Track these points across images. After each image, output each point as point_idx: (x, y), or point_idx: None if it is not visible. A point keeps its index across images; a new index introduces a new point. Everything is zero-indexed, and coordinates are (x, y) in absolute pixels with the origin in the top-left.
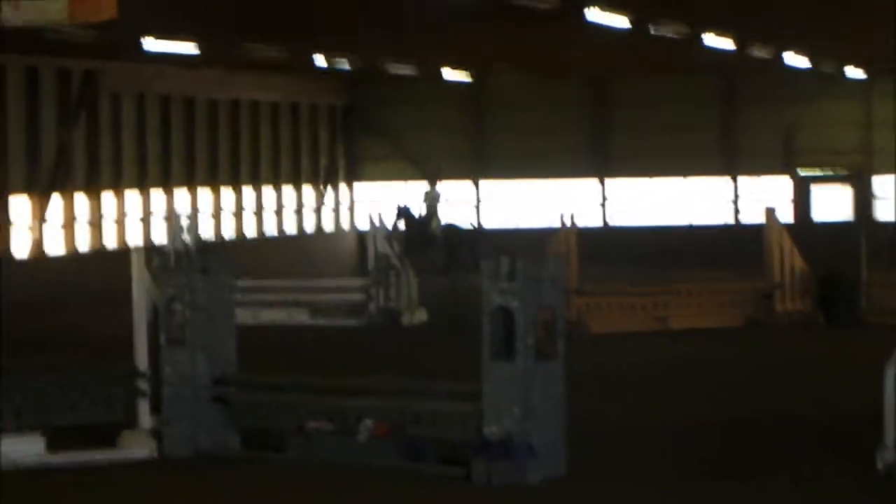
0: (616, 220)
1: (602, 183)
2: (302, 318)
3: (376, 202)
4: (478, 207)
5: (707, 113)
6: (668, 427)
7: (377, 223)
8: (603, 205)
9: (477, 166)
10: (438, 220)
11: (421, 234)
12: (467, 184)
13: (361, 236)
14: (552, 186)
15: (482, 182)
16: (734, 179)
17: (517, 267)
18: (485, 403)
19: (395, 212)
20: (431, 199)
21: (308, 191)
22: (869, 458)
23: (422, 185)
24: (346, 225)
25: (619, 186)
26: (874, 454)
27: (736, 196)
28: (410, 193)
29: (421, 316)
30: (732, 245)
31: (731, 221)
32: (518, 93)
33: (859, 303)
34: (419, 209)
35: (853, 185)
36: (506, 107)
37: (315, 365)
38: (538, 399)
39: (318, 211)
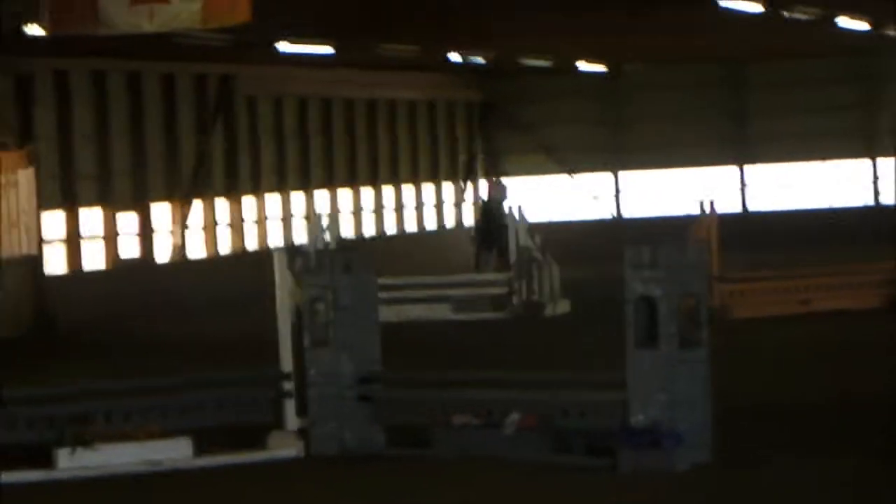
0: (756, 206)
1: (741, 169)
2: (444, 313)
3: (516, 195)
4: (617, 197)
5: (844, 94)
6: (816, 408)
7: (517, 216)
8: (742, 190)
9: (614, 157)
10: (504, 214)
11: (487, 227)
12: (606, 175)
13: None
14: (691, 174)
15: (621, 172)
16: (874, 160)
17: (659, 255)
18: (630, 392)
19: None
20: (497, 193)
21: (447, 187)
22: None
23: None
24: None
25: (758, 171)
26: None
27: (876, 177)
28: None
29: (563, 307)
30: (874, 226)
31: (872, 203)
32: (653, 81)
33: None
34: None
35: None
36: (641, 96)
37: (459, 359)
38: (684, 386)
39: (457, 206)
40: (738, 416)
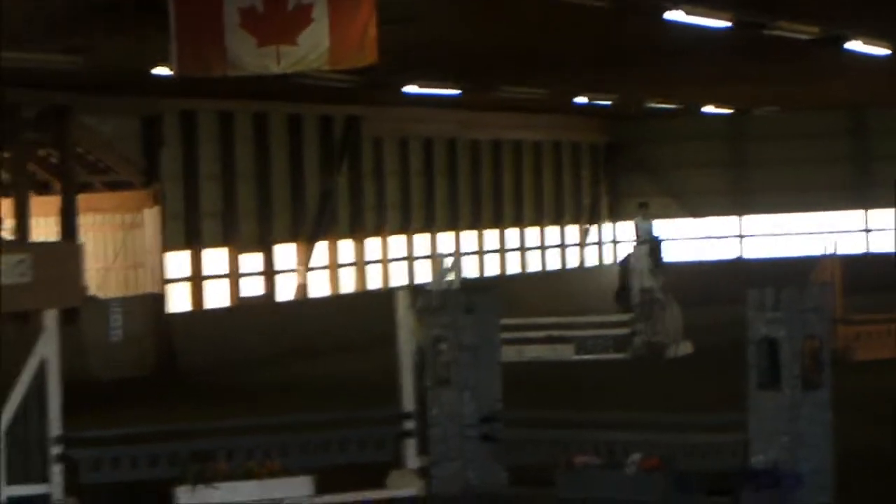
0: (879, 248)
1: (865, 213)
2: (567, 353)
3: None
4: (741, 240)
5: None
6: None
7: (639, 258)
8: (866, 233)
9: (738, 200)
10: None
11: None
12: (730, 219)
13: (625, 271)
14: (815, 217)
15: (745, 216)
16: None
17: (782, 297)
18: (751, 433)
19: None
20: (644, 232)
21: (571, 228)
22: None
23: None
24: (609, 260)
25: (881, 216)
26: None
27: None
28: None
29: (686, 348)
30: None
31: None
32: (778, 125)
33: None
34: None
35: None
36: (766, 140)
37: (581, 400)
38: (805, 427)
39: (581, 247)
40: (860, 460)
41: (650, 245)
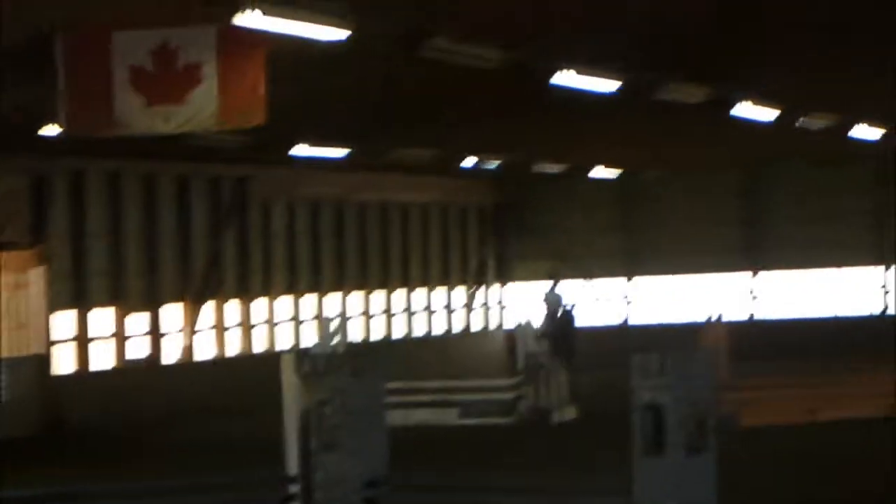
0: (765, 314)
1: (753, 275)
2: (452, 418)
3: (526, 300)
4: (628, 303)
5: (860, 201)
6: None
7: (525, 322)
8: (753, 298)
9: (627, 263)
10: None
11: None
12: (619, 280)
13: (511, 335)
14: (703, 281)
15: (634, 279)
16: (888, 268)
17: (667, 362)
18: (637, 499)
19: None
20: (553, 302)
21: (458, 291)
22: None
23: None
24: (495, 324)
25: (770, 279)
26: None
27: (886, 286)
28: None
29: (570, 413)
30: (885, 335)
31: (881, 312)
32: (666, 188)
33: None
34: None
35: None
36: (654, 202)
37: (466, 464)
38: (690, 493)
39: (467, 310)
40: None
41: (562, 315)
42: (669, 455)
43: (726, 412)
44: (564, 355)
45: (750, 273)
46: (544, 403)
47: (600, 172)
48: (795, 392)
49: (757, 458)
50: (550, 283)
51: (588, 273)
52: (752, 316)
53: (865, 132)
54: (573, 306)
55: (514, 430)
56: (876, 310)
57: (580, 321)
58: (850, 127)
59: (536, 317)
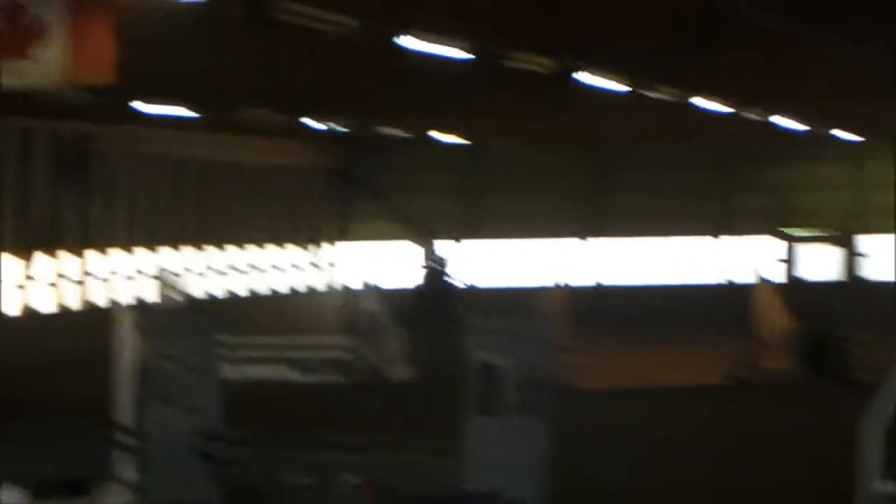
0: (608, 280)
1: (596, 244)
2: (289, 374)
3: (367, 261)
4: (469, 267)
5: (701, 175)
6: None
7: (366, 281)
8: (595, 265)
9: (470, 227)
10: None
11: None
12: (461, 244)
13: (353, 295)
14: (546, 247)
15: (475, 242)
16: (726, 240)
17: (505, 324)
18: (468, 458)
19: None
20: (433, 262)
21: (301, 251)
22: None
23: (413, 246)
24: (336, 284)
25: (613, 247)
26: None
27: (727, 256)
28: (402, 253)
29: (407, 372)
30: (722, 304)
31: (722, 281)
32: (512, 155)
33: (847, 360)
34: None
35: (843, 246)
36: (500, 169)
37: (301, 421)
38: (522, 455)
39: (310, 270)
40: (575, 489)
41: (438, 265)
42: (502, 416)
43: (564, 376)
44: (441, 316)
45: (594, 240)
46: (383, 363)
47: (448, 139)
48: (636, 357)
49: (590, 422)
50: (430, 242)
51: (431, 235)
52: (597, 283)
53: (711, 105)
54: (449, 266)
55: (352, 389)
56: (716, 279)
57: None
58: (692, 101)
59: (380, 277)
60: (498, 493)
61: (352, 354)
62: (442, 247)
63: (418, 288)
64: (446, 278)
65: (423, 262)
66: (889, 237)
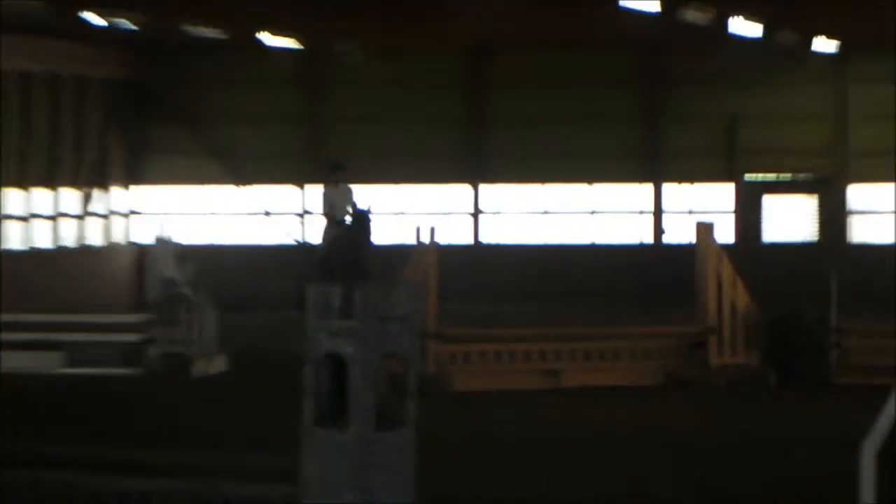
0: (494, 237)
1: (476, 189)
2: (56, 364)
3: (166, 210)
4: (303, 218)
5: (623, 100)
6: None
7: (164, 237)
8: (476, 217)
9: (311, 166)
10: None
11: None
12: (293, 188)
13: (143, 254)
14: (411, 192)
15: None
16: (657, 186)
17: (355, 298)
18: (306, 485)
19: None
20: (340, 205)
21: (71, 192)
22: None
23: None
24: (121, 239)
25: (502, 193)
26: None
27: (659, 208)
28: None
29: (219, 365)
30: (653, 273)
31: (653, 241)
32: (365, 71)
33: (826, 356)
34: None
35: (820, 195)
36: (349, 89)
37: (77, 428)
38: (379, 480)
39: (84, 218)
40: None
41: (358, 221)
42: (353, 426)
43: (435, 371)
44: (354, 276)
45: (470, 185)
46: (184, 349)
47: (276, 41)
48: (533, 346)
49: (472, 436)
50: (335, 178)
51: (250, 177)
52: (477, 240)
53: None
54: (369, 211)
55: (140, 384)
56: (645, 238)
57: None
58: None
59: (176, 231)
60: None
61: (142, 337)
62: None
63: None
64: (362, 227)
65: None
66: (882, 185)
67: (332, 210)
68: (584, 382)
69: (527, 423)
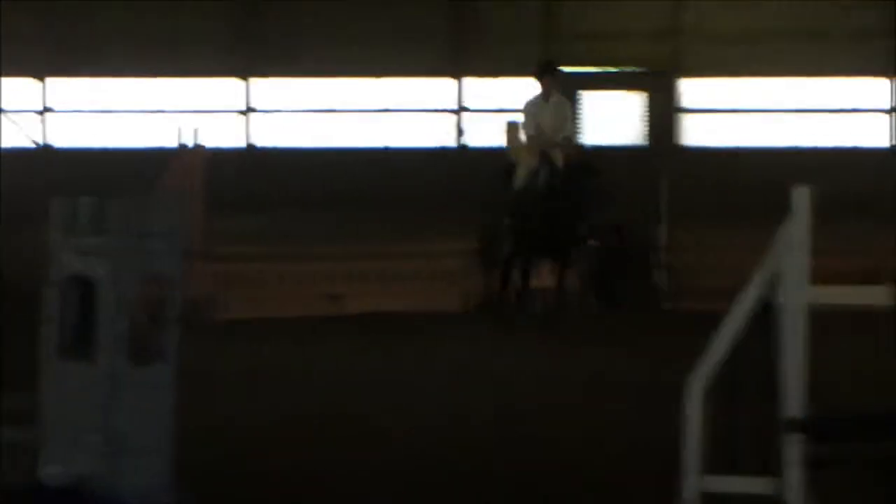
0: (269, 140)
1: (247, 83)
2: None
3: None
4: (43, 117)
5: None
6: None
7: None
8: (247, 115)
9: (44, 54)
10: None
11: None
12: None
13: None
14: (172, 87)
15: (66, 81)
16: (458, 79)
17: (107, 211)
18: (46, 427)
19: None
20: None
21: None
22: None
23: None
24: None
25: (275, 88)
26: None
27: (461, 105)
28: None
29: None
30: (454, 181)
31: (453, 144)
32: None
33: (653, 277)
34: None
35: (650, 91)
36: None
37: None
38: (133, 422)
39: None
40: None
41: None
42: (101, 360)
43: (199, 295)
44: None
45: (240, 78)
46: None
47: None
48: (313, 267)
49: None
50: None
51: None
52: (248, 143)
53: None
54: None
55: None
56: (443, 141)
57: None
58: None
59: None
60: (94, 486)
61: None
62: None
63: None
64: None
65: None
66: (720, 80)
67: (538, 136)
68: (374, 307)
69: (297, 359)
